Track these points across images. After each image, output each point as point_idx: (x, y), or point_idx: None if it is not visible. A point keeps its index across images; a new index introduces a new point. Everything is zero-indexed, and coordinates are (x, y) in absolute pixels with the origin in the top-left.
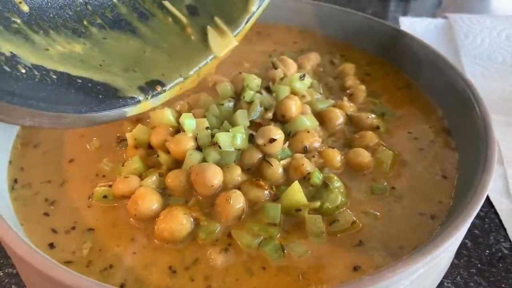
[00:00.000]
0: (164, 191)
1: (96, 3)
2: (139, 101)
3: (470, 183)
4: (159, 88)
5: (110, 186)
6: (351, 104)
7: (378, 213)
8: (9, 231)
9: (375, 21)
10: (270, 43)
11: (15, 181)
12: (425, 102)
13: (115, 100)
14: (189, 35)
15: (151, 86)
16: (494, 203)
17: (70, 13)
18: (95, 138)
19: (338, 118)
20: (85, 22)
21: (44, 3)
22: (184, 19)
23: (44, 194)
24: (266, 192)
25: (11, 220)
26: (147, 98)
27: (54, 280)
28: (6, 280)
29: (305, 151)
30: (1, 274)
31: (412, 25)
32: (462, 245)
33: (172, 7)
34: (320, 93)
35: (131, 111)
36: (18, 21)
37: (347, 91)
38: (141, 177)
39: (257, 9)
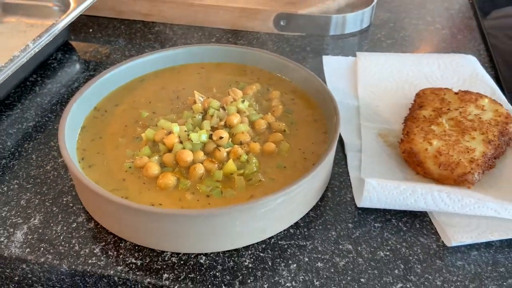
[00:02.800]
0: (162, 164)
1: None
2: None
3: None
4: None
5: (132, 162)
6: (272, 116)
7: (275, 177)
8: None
9: (293, 63)
10: (231, 76)
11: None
12: (319, 118)
13: None
14: None
15: None
16: (350, 174)
17: None
18: (120, 138)
19: (262, 125)
20: None
21: None
22: None
23: (90, 160)
24: (216, 165)
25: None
26: None
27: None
28: (76, 209)
29: (240, 144)
30: (74, 208)
31: (330, 61)
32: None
33: None
34: (255, 110)
35: None
36: None
37: (272, 109)
38: (149, 157)
39: None
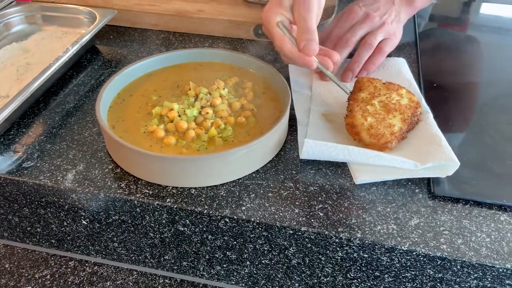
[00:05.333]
0: (166, 130)
1: None
2: None
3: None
4: None
5: (146, 128)
6: (245, 100)
7: (243, 140)
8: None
9: (262, 62)
10: (217, 72)
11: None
12: (278, 100)
13: None
14: None
15: None
16: (298, 140)
17: None
18: (136, 113)
19: (237, 106)
20: None
21: None
22: None
23: (117, 127)
24: (203, 131)
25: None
26: None
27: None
28: (109, 160)
29: (221, 118)
30: (107, 159)
31: (293, 68)
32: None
33: None
34: (233, 95)
35: None
36: None
37: (245, 95)
38: (157, 126)
39: None
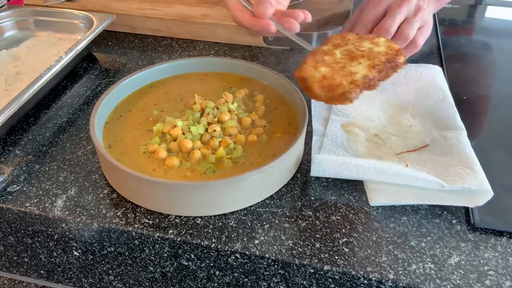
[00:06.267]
0: (168, 150)
1: None
2: None
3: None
4: None
5: (146, 148)
6: (256, 115)
7: (255, 161)
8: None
9: (274, 72)
10: (225, 82)
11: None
12: (292, 115)
13: None
14: None
15: None
16: (312, 153)
17: None
18: (135, 131)
19: (248, 122)
20: None
21: None
22: None
23: (113, 146)
24: (210, 151)
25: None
26: None
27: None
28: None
29: (229, 135)
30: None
31: None
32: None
33: None
34: (243, 110)
35: None
36: None
37: (256, 109)
38: (159, 145)
39: None
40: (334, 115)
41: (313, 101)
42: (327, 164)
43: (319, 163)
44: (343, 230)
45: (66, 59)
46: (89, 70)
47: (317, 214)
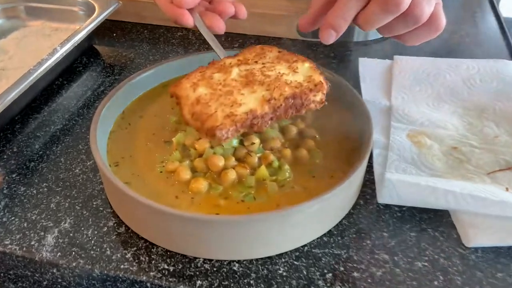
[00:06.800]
0: (192, 169)
1: None
2: None
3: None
4: None
5: (163, 166)
6: (302, 123)
7: (307, 185)
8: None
9: (326, 71)
10: None
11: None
12: (348, 121)
13: None
14: None
15: None
16: (374, 171)
17: None
18: (148, 143)
19: (293, 131)
20: None
21: None
22: None
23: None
24: (248, 171)
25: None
26: None
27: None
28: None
29: (271, 150)
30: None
31: (367, 63)
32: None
33: None
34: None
35: None
36: None
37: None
38: (180, 162)
39: None
40: (396, 122)
41: (367, 105)
42: (404, 187)
43: (392, 186)
44: (435, 283)
45: (62, 51)
46: (90, 66)
47: (396, 258)
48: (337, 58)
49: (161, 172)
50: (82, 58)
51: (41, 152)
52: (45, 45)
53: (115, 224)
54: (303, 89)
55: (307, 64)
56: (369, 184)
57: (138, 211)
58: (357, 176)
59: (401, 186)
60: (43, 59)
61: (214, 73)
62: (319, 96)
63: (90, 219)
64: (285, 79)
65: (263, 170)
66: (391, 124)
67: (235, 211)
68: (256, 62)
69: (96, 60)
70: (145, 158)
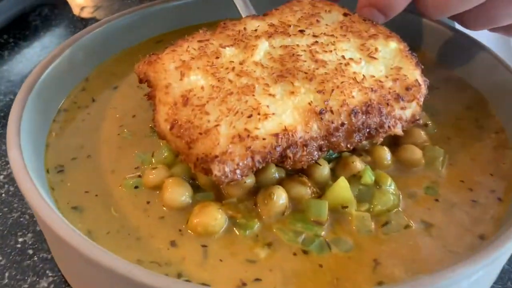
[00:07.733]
0: (193, 182)
1: None
2: None
3: None
4: None
5: (139, 176)
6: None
7: (433, 222)
8: (53, 214)
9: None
10: None
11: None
12: (478, 101)
13: None
14: None
15: None
16: None
17: None
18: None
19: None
20: None
21: None
22: None
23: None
24: (309, 189)
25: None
26: None
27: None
28: (41, 265)
29: (354, 148)
30: (36, 258)
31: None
32: None
33: None
34: None
35: None
36: None
37: None
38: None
39: None
40: None
41: None
42: None
43: None
44: None
45: None
46: (53, 19)
47: None
48: None
49: (135, 187)
50: (43, 8)
51: None
52: None
53: (56, 281)
54: (384, 94)
55: (393, 44)
56: None
57: (93, 272)
58: None
59: None
60: None
61: (223, 46)
62: (411, 110)
63: (15, 272)
64: (353, 71)
65: (340, 188)
66: None
67: (291, 274)
68: (301, 32)
69: (62, 12)
70: (109, 160)
